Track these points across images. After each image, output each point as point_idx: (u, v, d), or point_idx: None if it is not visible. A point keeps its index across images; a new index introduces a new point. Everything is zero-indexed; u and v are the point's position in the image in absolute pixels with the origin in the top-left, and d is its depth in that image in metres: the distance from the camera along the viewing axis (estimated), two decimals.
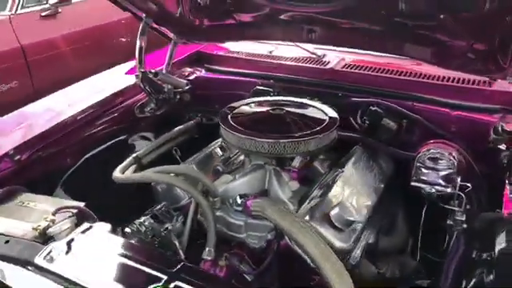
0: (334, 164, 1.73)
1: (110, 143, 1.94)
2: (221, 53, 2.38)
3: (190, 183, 1.49)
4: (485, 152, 1.67)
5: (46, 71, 3.78)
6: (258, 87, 2.09)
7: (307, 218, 1.37)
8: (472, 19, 1.33)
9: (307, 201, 1.48)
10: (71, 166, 1.78)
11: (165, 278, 1.08)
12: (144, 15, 1.90)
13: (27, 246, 1.22)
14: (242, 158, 1.74)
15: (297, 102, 1.81)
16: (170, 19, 1.95)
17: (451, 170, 1.47)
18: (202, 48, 2.42)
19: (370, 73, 2.00)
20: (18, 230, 1.29)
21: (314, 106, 1.75)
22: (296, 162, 1.51)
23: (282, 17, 1.71)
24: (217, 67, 2.32)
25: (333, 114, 1.68)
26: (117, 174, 1.62)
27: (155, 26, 1.98)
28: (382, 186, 1.70)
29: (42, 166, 1.67)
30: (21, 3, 3.83)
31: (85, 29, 4.26)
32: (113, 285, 1.07)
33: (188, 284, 1.07)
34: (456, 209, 1.45)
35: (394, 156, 1.80)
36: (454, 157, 1.55)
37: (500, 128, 1.49)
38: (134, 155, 1.77)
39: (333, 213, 1.38)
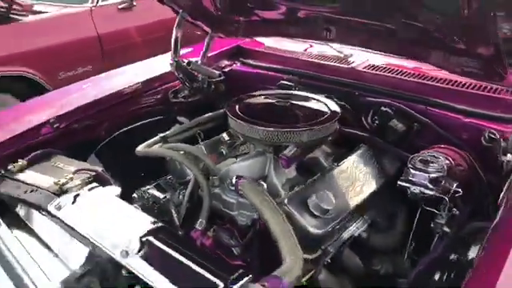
0: (337, 159, 1.80)
1: (143, 122, 2.18)
2: (257, 48, 2.52)
3: (193, 161, 1.66)
4: (494, 161, 1.64)
5: (118, 58, 4.17)
6: (283, 82, 2.20)
7: (286, 201, 1.48)
8: (458, 25, 1.33)
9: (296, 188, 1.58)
10: (106, 138, 2.04)
11: (141, 233, 1.26)
12: (180, 10, 2.10)
13: (46, 196, 1.48)
14: (247, 144, 1.86)
15: (305, 96, 1.89)
16: (203, 14, 2.12)
17: (440, 174, 1.47)
18: (242, 43, 2.59)
19: (389, 74, 2.02)
20: (45, 184, 1.55)
21: (320, 101, 1.82)
22: (288, 151, 1.59)
23: (298, 15, 1.81)
24: (250, 61, 2.46)
25: (335, 109, 1.75)
26: (139, 148, 1.83)
27: (191, 20, 2.17)
28: (380, 184, 1.74)
29: (79, 135, 1.95)
30: None
31: (157, 21, 4.58)
32: (98, 233, 1.28)
33: (159, 241, 1.24)
34: (437, 212, 1.46)
35: (398, 157, 1.82)
36: (450, 161, 1.54)
37: (487, 136, 1.47)
38: (162, 135, 1.97)
39: (310, 199, 1.47)
